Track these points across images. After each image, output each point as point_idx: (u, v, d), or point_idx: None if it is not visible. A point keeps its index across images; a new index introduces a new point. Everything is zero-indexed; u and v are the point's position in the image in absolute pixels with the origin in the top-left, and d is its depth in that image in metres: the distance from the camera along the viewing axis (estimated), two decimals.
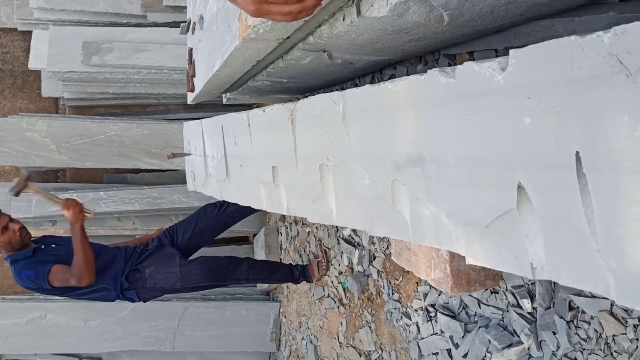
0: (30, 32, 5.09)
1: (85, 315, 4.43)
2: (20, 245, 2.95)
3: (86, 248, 2.86)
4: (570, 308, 1.76)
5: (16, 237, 2.91)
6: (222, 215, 3.42)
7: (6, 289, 5.41)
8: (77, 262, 2.83)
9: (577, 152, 0.77)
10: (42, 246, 3.04)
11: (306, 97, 1.63)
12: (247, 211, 3.44)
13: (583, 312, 1.71)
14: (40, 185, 4.92)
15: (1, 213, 2.93)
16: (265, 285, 4.70)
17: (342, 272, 3.42)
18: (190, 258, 3.34)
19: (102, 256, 3.03)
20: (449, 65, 1.06)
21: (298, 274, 3.64)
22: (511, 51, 0.87)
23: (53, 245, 3.07)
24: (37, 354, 4.70)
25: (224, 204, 3.41)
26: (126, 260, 3.14)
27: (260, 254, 4.66)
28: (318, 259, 3.63)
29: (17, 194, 2.98)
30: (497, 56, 1.06)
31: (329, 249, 3.61)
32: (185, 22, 3.15)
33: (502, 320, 2.06)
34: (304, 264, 3.81)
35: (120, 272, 3.10)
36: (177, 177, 4.83)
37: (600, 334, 1.67)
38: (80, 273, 2.82)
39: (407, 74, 1.18)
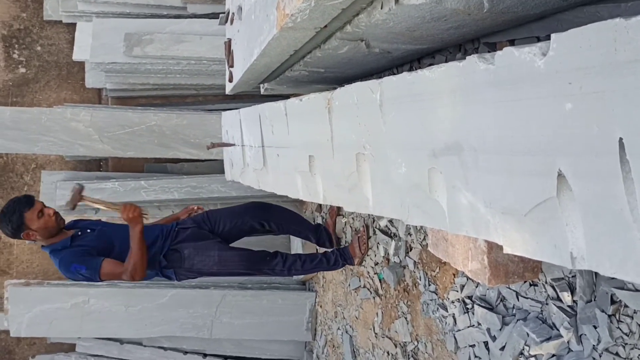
0: (74, 25, 5.21)
1: (126, 301, 4.54)
2: (56, 231, 2.97)
3: (143, 249, 2.93)
4: (612, 302, 1.71)
5: (52, 222, 2.93)
6: (269, 222, 3.53)
7: (51, 275, 5.57)
8: (133, 262, 2.90)
9: (620, 138, 0.75)
10: (79, 232, 3.07)
11: (343, 87, 1.63)
12: (293, 229, 3.74)
13: (626, 305, 1.67)
14: (84, 174, 5.08)
15: (34, 199, 2.95)
16: (301, 275, 4.73)
17: (378, 263, 3.41)
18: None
19: (145, 236, 3.05)
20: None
21: (334, 259, 3.57)
22: (553, 35, 0.85)
23: (88, 231, 3.10)
24: (80, 337, 4.86)
25: (273, 213, 3.59)
26: (165, 239, 3.17)
27: (296, 245, 4.69)
28: (359, 235, 3.59)
29: (73, 208, 3.03)
30: None
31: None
32: (224, 13, 3.17)
33: (541, 313, 2.03)
34: (344, 245, 3.77)
35: (160, 252, 3.14)
36: (215, 167, 4.90)
37: None
38: (135, 271, 2.89)
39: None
